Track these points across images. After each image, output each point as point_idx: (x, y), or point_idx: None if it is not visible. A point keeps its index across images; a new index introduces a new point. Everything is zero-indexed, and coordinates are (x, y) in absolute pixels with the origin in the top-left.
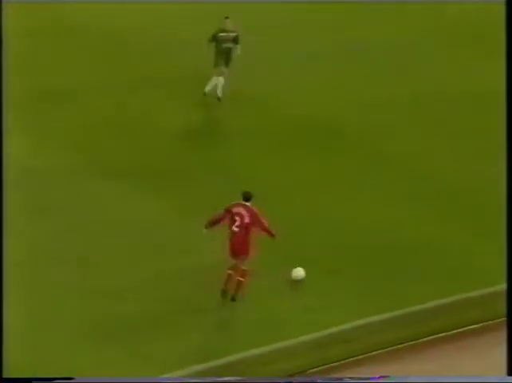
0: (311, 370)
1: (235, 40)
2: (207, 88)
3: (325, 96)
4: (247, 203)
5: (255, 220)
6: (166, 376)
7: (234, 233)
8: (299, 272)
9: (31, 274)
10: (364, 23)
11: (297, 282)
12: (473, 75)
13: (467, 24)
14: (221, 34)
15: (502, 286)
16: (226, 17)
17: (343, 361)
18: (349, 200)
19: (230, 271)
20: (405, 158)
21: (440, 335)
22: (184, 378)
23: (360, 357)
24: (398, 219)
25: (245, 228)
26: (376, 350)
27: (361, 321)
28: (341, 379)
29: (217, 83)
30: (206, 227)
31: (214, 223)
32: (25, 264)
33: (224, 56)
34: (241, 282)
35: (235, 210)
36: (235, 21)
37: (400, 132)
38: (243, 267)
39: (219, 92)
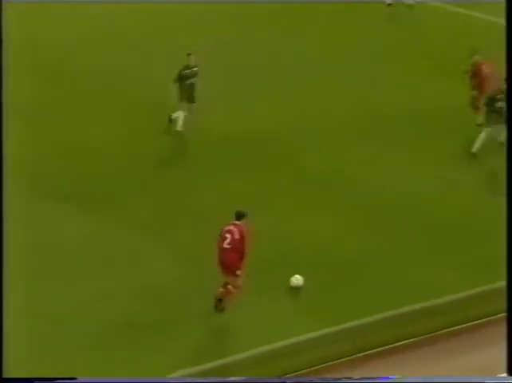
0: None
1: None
2: (174, 115)
3: (276, 114)
4: (238, 222)
5: (242, 237)
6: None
7: (224, 250)
8: (297, 280)
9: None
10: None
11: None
12: (424, 89)
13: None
14: (185, 71)
15: (450, 297)
16: (189, 54)
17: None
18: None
19: (221, 289)
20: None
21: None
22: (179, 378)
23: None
24: (345, 232)
25: (235, 245)
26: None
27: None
28: (339, 379)
29: (178, 117)
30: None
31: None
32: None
33: (187, 91)
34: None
35: (226, 228)
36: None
37: (360, 149)
38: (237, 283)
39: (179, 127)
